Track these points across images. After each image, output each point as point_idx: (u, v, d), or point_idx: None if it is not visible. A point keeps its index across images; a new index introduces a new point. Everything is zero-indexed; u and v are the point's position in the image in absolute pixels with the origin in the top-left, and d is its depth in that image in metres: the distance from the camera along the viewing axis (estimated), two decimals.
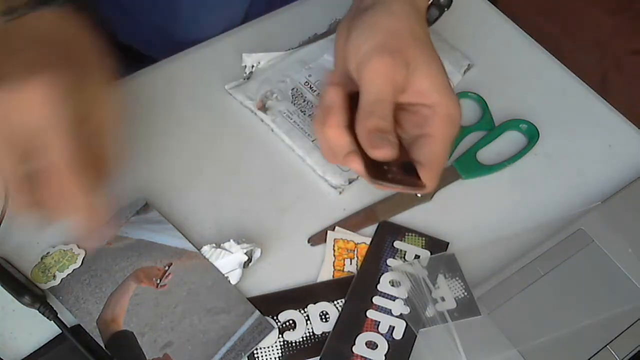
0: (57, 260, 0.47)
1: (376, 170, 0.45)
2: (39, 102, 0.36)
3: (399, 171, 0.45)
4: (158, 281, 0.47)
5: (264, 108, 0.56)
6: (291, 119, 0.55)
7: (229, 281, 0.47)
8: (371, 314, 0.48)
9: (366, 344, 0.46)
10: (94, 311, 0.46)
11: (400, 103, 0.47)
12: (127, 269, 0.47)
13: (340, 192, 0.54)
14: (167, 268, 0.47)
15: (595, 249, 0.50)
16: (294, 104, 0.56)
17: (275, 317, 0.47)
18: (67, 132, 0.37)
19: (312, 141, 0.55)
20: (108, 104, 0.41)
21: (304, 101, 0.56)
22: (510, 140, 0.58)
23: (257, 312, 0.46)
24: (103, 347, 0.44)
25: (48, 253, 0.48)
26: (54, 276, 0.47)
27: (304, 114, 0.56)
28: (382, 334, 0.47)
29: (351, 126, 0.46)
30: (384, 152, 0.44)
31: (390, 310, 0.48)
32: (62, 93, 0.37)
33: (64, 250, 0.48)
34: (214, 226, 0.51)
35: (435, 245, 0.51)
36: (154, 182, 0.53)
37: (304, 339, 0.47)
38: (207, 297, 0.47)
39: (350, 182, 0.54)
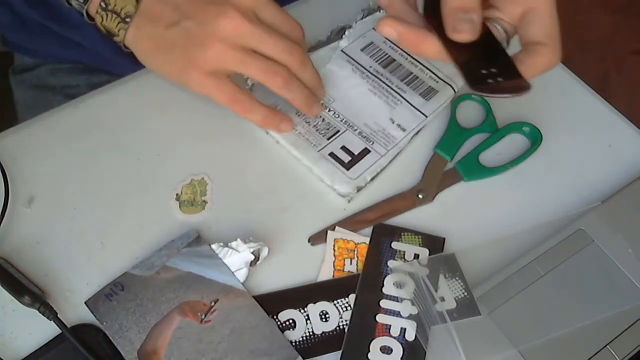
0: (192, 191, 0.50)
1: (474, 75, 0.43)
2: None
3: (498, 72, 0.43)
4: (203, 316, 0.46)
5: None
6: (296, 130, 0.55)
7: (274, 324, 0.47)
8: (381, 318, 0.48)
9: (381, 349, 0.46)
10: (136, 341, 0.45)
11: None
12: (173, 301, 0.47)
13: (349, 201, 0.53)
14: (213, 304, 0.47)
15: (595, 249, 0.50)
16: (298, 115, 0.55)
17: (275, 317, 0.47)
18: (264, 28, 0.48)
19: (319, 151, 0.54)
20: None
21: None
22: (513, 142, 0.58)
23: (300, 358, 0.46)
24: None
25: (178, 195, 0.51)
26: (204, 201, 0.50)
27: (309, 125, 0.55)
28: (394, 337, 0.47)
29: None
30: (465, 36, 0.43)
31: (399, 312, 0.48)
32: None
33: (189, 182, 0.51)
34: (214, 225, 0.51)
35: (432, 242, 0.51)
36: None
37: (304, 338, 0.47)
38: (250, 337, 0.46)
39: (358, 190, 0.53)
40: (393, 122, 0.56)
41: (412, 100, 0.57)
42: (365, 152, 0.55)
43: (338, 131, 0.55)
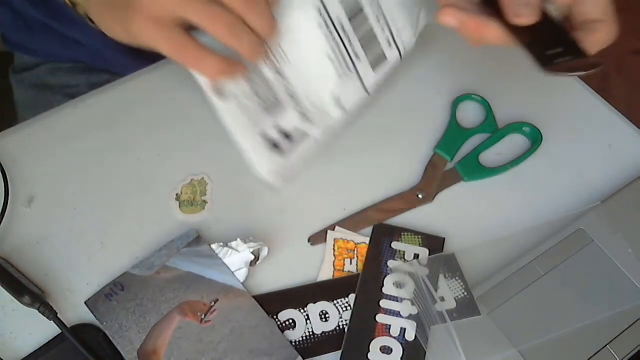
0: (192, 191, 0.50)
1: (543, 57, 0.44)
2: None
3: (565, 52, 0.44)
4: (203, 316, 0.46)
5: (220, 91, 0.48)
6: (237, 95, 0.48)
7: (274, 324, 0.47)
8: (381, 318, 0.48)
9: (381, 349, 0.46)
10: (136, 341, 0.45)
11: None
12: (173, 301, 0.47)
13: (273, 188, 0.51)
14: (213, 304, 0.47)
15: (595, 249, 0.50)
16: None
17: (275, 317, 0.47)
18: None
19: (253, 127, 0.48)
20: None
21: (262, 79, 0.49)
22: (513, 143, 0.58)
23: (300, 358, 0.46)
24: None
25: (178, 195, 0.51)
26: (204, 201, 0.49)
27: (250, 88, 0.48)
28: (394, 338, 0.47)
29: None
30: (526, 20, 0.44)
31: (399, 312, 0.48)
32: None
33: (189, 182, 0.51)
34: (214, 225, 0.51)
35: (432, 242, 0.51)
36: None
37: (304, 338, 0.47)
38: (250, 337, 0.46)
39: (286, 180, 0.50)
40: (336, 98, 0.51)
41: (361, 69, 0.52)
42: (302, 136, 0.51)
43: (280, 105, 0.49)
